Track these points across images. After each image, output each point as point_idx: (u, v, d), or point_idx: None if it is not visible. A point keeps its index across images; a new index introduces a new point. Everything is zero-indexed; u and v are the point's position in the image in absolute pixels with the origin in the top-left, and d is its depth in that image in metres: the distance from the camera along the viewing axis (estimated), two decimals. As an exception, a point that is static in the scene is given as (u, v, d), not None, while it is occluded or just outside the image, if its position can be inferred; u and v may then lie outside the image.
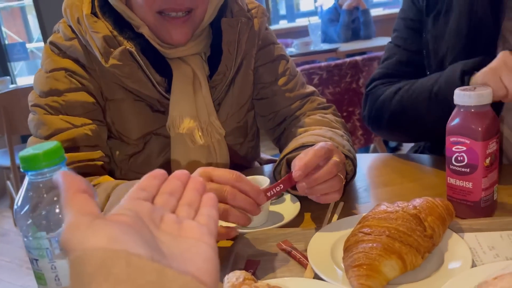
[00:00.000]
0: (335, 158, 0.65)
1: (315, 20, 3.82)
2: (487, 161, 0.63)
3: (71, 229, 0.30)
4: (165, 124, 0.89)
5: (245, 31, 0.90)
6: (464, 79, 0.73)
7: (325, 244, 0.61)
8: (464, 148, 0.63)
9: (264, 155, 1.25)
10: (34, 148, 0.42)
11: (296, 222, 0.73)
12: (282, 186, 0.64)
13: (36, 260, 0.42)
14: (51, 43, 0.86)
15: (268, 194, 0.64)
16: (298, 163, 0.63)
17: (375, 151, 2.71)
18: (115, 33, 0.83)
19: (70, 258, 0.29)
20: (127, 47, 0.81)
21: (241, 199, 0.60)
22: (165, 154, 0.92)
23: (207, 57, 0.92)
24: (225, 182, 0.60)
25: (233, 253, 0.64)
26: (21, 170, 0.42)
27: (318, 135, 0.80)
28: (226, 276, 0.51)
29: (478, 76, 0.70)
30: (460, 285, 0.45)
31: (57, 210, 0.42)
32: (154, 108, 0.90)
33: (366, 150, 2.76)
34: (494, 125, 0.63)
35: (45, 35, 3.56)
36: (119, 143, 0.90)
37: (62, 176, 0.35)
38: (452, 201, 0.68)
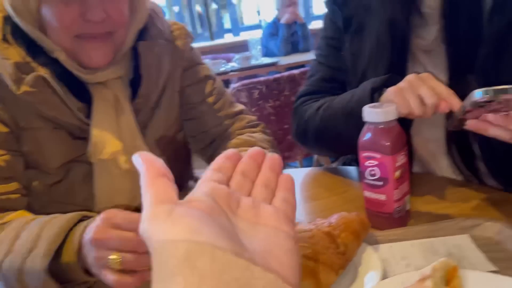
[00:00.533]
0: None
1: (260, 33, 3.89)
2: (397, 173, 0.66)
3: (151, 218, 0.30)
4: (86, 151, 0.85)
5: (165, 53, 0.89)
6: (373, 97, 0.76)
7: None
8: (376, 163, 0.66)
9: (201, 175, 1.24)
10: None
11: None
12: None
13: None
14: None
15: None
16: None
17: (318, 161, 2.78)
18: (28, 59, 0.79)
19: (152, 249, 0.29)
20: (41, 73, 0.77)
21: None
22: (89, 181, 0.89)
23: (129, 80, 0.90)
24: (132, 228, 0.56)
25: None
26: None
27: None
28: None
29: (387, 94, 0.74)
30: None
31: None
32: (75, 135, 0.86)
33: (309, 160, 2.82)
34: (401, 139, 0.66)
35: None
36: (38, 173, 0.86)
37: (141, 158, 0.35)
38: (369, 213, 0.70)
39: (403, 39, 0.86)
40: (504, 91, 0.55)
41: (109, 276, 0.56)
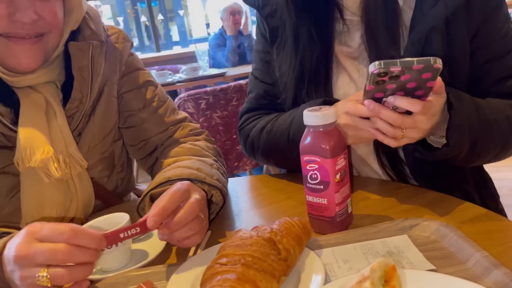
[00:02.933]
0: (195, 196, 0.63)
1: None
2: (338, 177, 0.66)
3: None
4: (12, 161, 0.78)
5: (100, 55, 0.85)
6: None
7: (185, 281, 0.58)
8: (316, 166, 0.66)
9: (143, 187, 1.18)
10: None
11: (162, 258, 0.68)
12: (138, 229, 0.59)
13: None
14: None
15: (122, 235, 0.58)
16: (154, 209, 0.58)
17: (268, 169, 2.78)
18: None
19: None
20: None
21: (80, 256, 0.52)
22: (15, 195, 0.81)
23: (62, 84, 0.84)
24: (57, 241, 0.52)
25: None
26: None
27: (185, 167, 0.77)
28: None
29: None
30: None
31: None
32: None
33: (259, 170, 2.83)
34: (340, 142, 0.66)
35: None
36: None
37: None
38: (312, 217, 0.69)
39: (328, 48, 0.87)
40: (394, 63, 0.57)
41: None
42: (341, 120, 0.73)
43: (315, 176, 0.66)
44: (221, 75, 3.07)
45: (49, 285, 0.50)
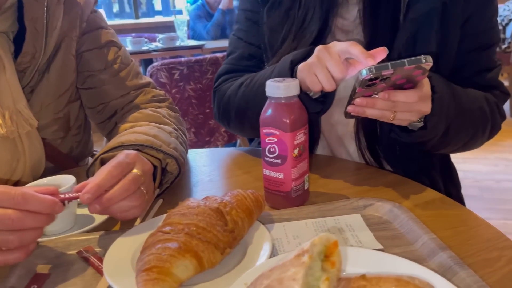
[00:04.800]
0: (135, 171, 0.59)
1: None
2: (296, 151, 0.64)
3: None
4: None
5: (57, 8, 0.79)
6: (293, 70, 0.73)
7: (128, 247, 0.55)
8: (275, 140, 0.64)
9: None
10: None
11: (108, 225, 0.65)
12: (71, 195, 0.55)
13: None
14: None
15: (66, 200, 0.55)
16: (90, 184, 0.54)
17: (240, 146, 2.76)
18: None
19: None
20: None
21: (30, 222, 0.50)
22: (-43, 154, 0.76)
23: (14, 36, 0.78)
24: (7, 207, 0.48)
25: (17, 269, 0.53)
26: None
27: (141, 133, 0.73)
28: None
29: (298, 71, 0.71)
30: (249, 279, 0.44)
31: None
32: None
33: (231, 146, 2.80)
34: (301, 116, 0.64)
35: None
36: None
37: None
38: (268, 192, 0.68)
39: (327, 15, 0.84)
40: (386, 67, 0.56)
41: None
42: (310, 59, 0.68)
43: (273, 149, 0.64)
44: (199, 47, 3.00)
45: None
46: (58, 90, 0.86)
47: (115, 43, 0.94)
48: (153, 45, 3.01)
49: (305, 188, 0.68)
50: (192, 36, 3.51)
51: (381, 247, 0.54)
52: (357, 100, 0.63)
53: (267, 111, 0.65)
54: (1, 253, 0.49)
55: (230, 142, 2.51)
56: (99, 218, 0.65)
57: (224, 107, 0.94)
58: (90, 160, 1.06)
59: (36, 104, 0.82)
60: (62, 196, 0.54)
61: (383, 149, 0.87)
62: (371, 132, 0.86)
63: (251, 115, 0.90)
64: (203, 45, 3.03)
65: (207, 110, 2.27)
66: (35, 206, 0.50)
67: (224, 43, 3.26)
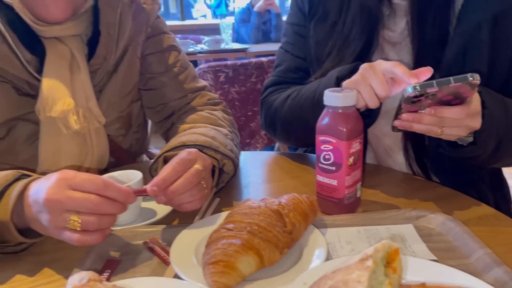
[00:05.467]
0: (197, 166, 0.63)
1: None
2: (351, 160, 0.66)
3: None
4: (34, 109, 0.80)
5: (128, 14, 0.85)
6: (339, 85, 0.75)
7: (191, 241, 0.59)
8: (331, 147, 0.66)
9: (155, 150, 1.20)
10: None
11: (169, 219, 0.70)
12: (138, 190, 0.60)
13: None
14: None
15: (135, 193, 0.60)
16: (156, 178, 0.60)
17: (279, 150, 2.79)
18: None
19: None
20: None
21: (108, 208, 0.54)
22: (33, 142, 0.83)
23: (88, 39, 0.85)
24: (89, 191, 0.53)
25: (93, 253, 0.59)
26: None
27: (200, 134, 0.78)
28: (70, 278, 0.46)
29: (343, 87, 0.73)
30: (311, 277, 0.46)
31: None
32: (22, 91, 0.80)
33: (270, 149, 2.83)
34: (357, 126, 0.66)
35: None
36: (-23, 129, 0.79)
37: None
38: (320, 198, 0.70)
39: (372, 29, 0.86)
40: (431, 85, 0.57)
41: (68, 236, 0.53)
42: (354, 77, 0.70)
43: (328, 157, 0.67)
44: (243, 50, 3.05)
45: (78, 229, 0.53)
46: (123, 91, 0.92)
47: (176, 48, 0.99)
48: (199, 47, 3.09)
49: (357, 195, 0.70)
50: (236, 39, 3.57)
51: (435, 258, 0.55)
52: (404, 116, 0.64)
53: (324, 119, 0.67)
54: (82, 234, 0.54)
55: (269, 145, 2.55)
56: (161, 213, 0.70)
57: (271, 118, 0.98)
58: (145, 157, 1.12)
59: (103, 103, 0.88)
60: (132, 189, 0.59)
61: (431, 161, 0.87)
62: (419, 144, 0.87)
63: (297, 127, 0.93)
64: (246, 48, 3.09)
65: (249, 113, 2.31)
66: (114, 193, 0.55)
67: (267, 47, 3.31)
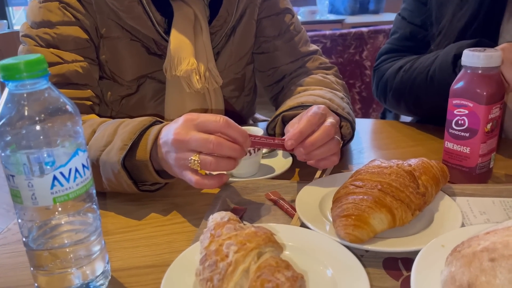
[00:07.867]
0: (331, 119, 0.63)
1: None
2: (488, 126, 0.61)
3: None
4: (160, 68, 0.86)
5: None
6: (456, 64, 0.70)
7: (314, 196, 0.60)
8: (466, 112, 0.61)
9: (259, 115, 1.23)
10: (15, 58, 0.39)
11: (286, 175, 0.71)
12: (273, 142, 0.61)
13: (13, 176, 0.40)
14: None
15: (259, 141, 0.61)
16: (292, 131, 0.60)
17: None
18: None
19: None
20: None
21: (228, 148, 0.55)
22: (158, 99, 0.90)
23: (209, 2, 0.88)
24: (212, 129, 0.55)
25: (220, 200, 0.62)
26: (1, 79, 0.39)
27: (318, 96, 0.77)
28: (211, 216, 0.50)
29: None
30: (449, 240, 0.44)
31: (38, 128, 0.40)
32: (150, 51, 0.87)
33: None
34: (500, 90, 0.61)
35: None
36: (112, 83, 0.87)
37: None
38: (447, 165, 0.66)
39: (497, 17, 0.78)
40: None
41: (189, 176, 0.56)
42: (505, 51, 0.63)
43: (462, 122, 0.62)
44: (339, 21, 2.95)
45: (198, 168, 0.55)
46: (239, 53, 0.94)
47: (290, 10, 0.99)
48: (293, 18, 3.05)
49: (490, 166, 0.65)
50: (331, 11, 3.46)
51: None
52: None
53: (460, 82, 0.62)
54: (201, 178, 0.56)
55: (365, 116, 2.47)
56: (279, 169, 0.72)
57: (382, 87, 0.97)
58: (250, 121, 1.15)
59: (221, 64, 0.92)
60: (261, 140, 0.61)
61: None
62: None
63: (407, 99, 0.91)
64: (343, 20, 2.98)
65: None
66: (234, 133, 0.55)
67: (364, 18, 3.16)
